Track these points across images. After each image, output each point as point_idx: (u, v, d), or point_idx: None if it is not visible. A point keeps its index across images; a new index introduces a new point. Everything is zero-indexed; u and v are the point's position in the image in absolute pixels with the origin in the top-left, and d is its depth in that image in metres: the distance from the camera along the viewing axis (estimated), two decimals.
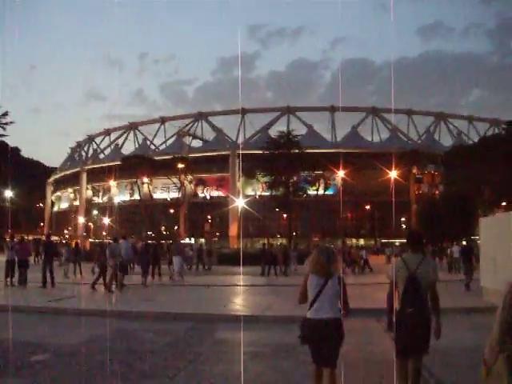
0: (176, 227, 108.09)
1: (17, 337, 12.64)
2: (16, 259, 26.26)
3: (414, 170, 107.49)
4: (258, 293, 24.28)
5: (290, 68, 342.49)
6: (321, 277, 7.11)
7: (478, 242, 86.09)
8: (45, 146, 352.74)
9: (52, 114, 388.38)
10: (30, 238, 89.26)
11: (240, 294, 23.88)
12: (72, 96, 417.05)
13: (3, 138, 68.49)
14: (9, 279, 26.10)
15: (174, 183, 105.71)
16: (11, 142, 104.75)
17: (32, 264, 33.66)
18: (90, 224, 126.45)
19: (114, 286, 24.15)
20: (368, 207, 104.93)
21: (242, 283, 28.68)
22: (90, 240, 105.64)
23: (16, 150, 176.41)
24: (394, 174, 79.18)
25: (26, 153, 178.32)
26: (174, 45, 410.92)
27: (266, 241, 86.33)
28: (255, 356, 10.83)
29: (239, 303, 20.24)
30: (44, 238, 35.89)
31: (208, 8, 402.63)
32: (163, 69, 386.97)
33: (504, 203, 69.79)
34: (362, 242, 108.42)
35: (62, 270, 33.10)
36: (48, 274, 25.74)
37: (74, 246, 38.96)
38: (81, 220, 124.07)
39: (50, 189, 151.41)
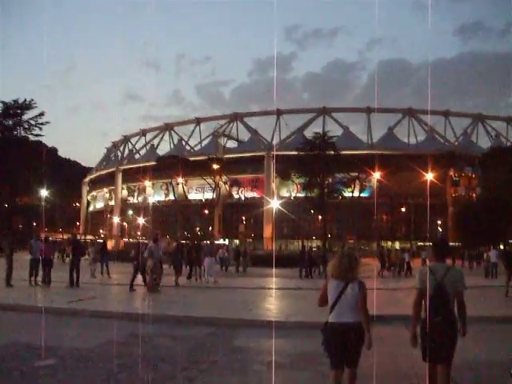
0: (210, 228, 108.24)
1: (28, 339, 12.69)
2: (40, 258, 26.35)
3: (451, 173, 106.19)
4: (290, 296, 23.90)
5: (326, 69, 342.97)
6: (341, 281, 7.26)
7: None
8: (82, 146, 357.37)
9: (90, 115, 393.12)
10: (65, 237, 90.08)
11: (270, 298, 23.47)
12: (110, 96, 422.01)
13: (40, 138, 68.86)
14: (33, 278, 26.22)
15: (209, 184, 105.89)
16: (49, 142, 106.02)
17: (57, 262, 33.71)
18: (124, 224, 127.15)
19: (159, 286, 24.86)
20: (404, 210, 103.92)
21: (275, 286, 28.30)
22: (125, 240, 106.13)
23: (53, 150, 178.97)
24: (430, 176, 78.24)
25: (63, 153, 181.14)
26: (211, 46, 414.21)
27: (300, 242, 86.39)
28: (272, 366, 10.35)
29: (266, 307, 19.74)
30: (71, 237, 35.71)
31: (244, 9, 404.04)
32: (200, 70, 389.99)
33: None
34: (397, 244, 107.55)
35: (89, 269, 33.12)
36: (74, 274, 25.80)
37: (101, 245, 38.98)
38: (115, 220, 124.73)
39: (85, 188, 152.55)
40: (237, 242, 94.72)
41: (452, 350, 7.29)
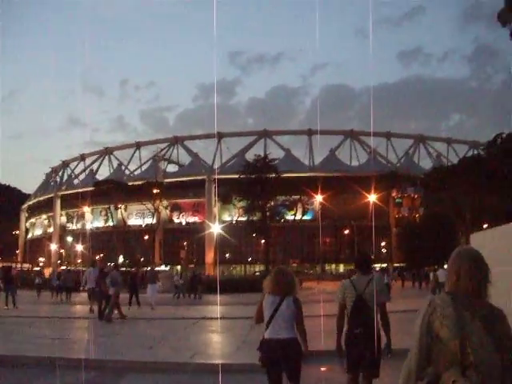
0: (151, 254, 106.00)
1: None
2: None
3: (394, 194, 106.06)
4: (229, 329, 21.47)
5: (270, 94, 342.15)
6: (276, 296, 7.19)
7: None
8: (24, 172, 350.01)
9: (31, 141, 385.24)
10: None
11: (198, 330, 20.89)
12: (52, 123, 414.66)
13: None
14: None
15: (149, 209, 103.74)
16: None
17: None
18: (61, 251, 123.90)
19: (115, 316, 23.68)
20: (347, 232, 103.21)
21: (219, 315, 26.05)
22: (63, 267, 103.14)
23: None
24: (373, 198, 77.64)
25: (3, 179, 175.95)
26: (155, 71, 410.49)
27: (243, 267, 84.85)
28: None
29: (176, 343, 16.47)
30: None
31: (188, 35, 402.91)
32: (143, 95, 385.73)
33: (486, 225, 68.14)
34: (341, 267, 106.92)
35: None
36: None
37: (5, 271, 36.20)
38: (53, 247, 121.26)
39: (24, 215, 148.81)
40: (178, 268, 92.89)
41: (374, 361, 7.32)
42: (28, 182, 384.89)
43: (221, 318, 23.70)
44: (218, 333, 19.89)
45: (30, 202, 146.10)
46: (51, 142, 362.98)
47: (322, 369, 11.61)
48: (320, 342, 11.66)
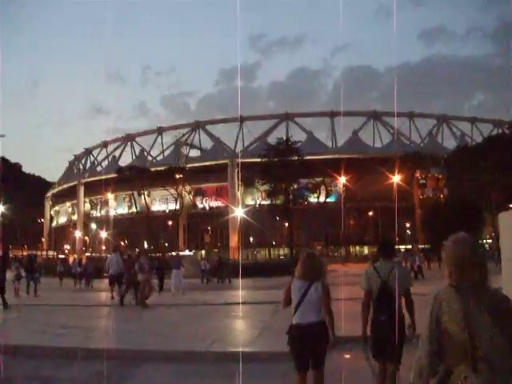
0: (175, 239, 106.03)
1: None
2: None
3: (417, 174, 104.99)
4: (250, 313, 21.05)
5: (291, 77, 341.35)
6: (305, 281, 7.29)
7: (486, 245, 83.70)
8: (48, 161, 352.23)
9: (55, 130, 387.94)
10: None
11: (219, 316, 20.23)
12: (75, 111, 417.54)
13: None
14: None
15: (172, 194, 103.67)
16: (13, 158, 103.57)
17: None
18: (86, 238, 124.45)
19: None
20: (371, 213, 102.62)
21: (242, 300, 25.58)
22: (87, 254, 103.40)
23: (16, 166, 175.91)
24: (396, 179, 76.89)
25: (28, 168, 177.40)
26: (175, 57, 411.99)
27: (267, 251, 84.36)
28: None
29: (196, 330, 16.01)
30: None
31: (208, 20, 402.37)
32: (165, 81, 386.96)
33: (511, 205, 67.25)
34: (365, 249, 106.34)
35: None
36: None
37: (27, 260, 36.21)
38: (77, 234, 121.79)
39: (48, 203, 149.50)
40: (203, 252, 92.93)
41: (399, 348, 7.41)
42: (52, 171, 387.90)
43: (243, 303, 23.37)
44: (239, 319, 19.59)
45: (54, 190, 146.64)
46: (74, 131, 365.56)
47: (347, 356, 11.33)
48: (345, 328, 11.30)
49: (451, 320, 3.54)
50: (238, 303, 23.47)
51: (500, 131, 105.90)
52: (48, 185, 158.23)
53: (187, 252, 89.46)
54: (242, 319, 19.41)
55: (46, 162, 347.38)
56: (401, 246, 77.24)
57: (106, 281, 29.88)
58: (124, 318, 20.11)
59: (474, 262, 3.66)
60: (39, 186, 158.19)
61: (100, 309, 24.54)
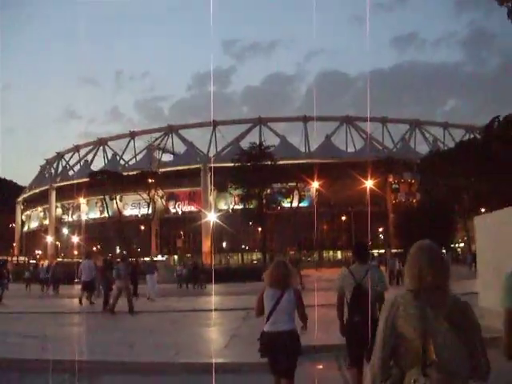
0: (148, 244, 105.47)
1: None
2: None
3: (390, 179, 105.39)
4: (220, 320, 20.27)
5: (265, 82, 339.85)
6: (277, 289, 7.23)
7: (458, 249, 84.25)
8: (20, 165, 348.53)
9: (27, 134, 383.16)
10: None
11: (186, 323, 19.62)
12: (47, 115, 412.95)
13: None
14: None
15: (144, 199, 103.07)
16: None
17: None
18: (56, 243, 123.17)
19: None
20: (344, 218, 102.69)
21: (213, 307, 24.76)
22: (58, 259, 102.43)
23: None
24: (369, 184, 77.03)
25: (1, 173, 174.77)
26: (149, 62, 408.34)
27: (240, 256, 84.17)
28: None
29: (161, 339, 15.20)
30: None
31: (182, 24, 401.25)
32: (138, 86, 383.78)
33: (483, 209, 67.54)
34: (339, 254, 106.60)
35: None
36: None
37: None
38: (49, 239, 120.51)
39: (19, 208, 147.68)
40: (176, 257, 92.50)
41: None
42: (24, 175, 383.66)
43: (213, 310, 22.86)
44: (207, 326, 18.93)
45: (26, 195, 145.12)
46: (47, 135, 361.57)
47: (319, 366, 11.02)
48: (317, 336, 10.97)
49: (407, 324, 3.51)
50: (208, 310, 23.10)
51: (472, 136, 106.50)
52: (20, 189, 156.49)
53: (159, 257, 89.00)
54: (212, 327, 18.82)
55: (18, 166, 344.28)
56: (374, 251, 77.52)
57: (77, 287, 29.43)
58: (88, 326, 19.49)
59: (435, 268, 3.61)
60: (11, 190, 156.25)
61: (65, 316, 23.56)
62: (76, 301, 27.80)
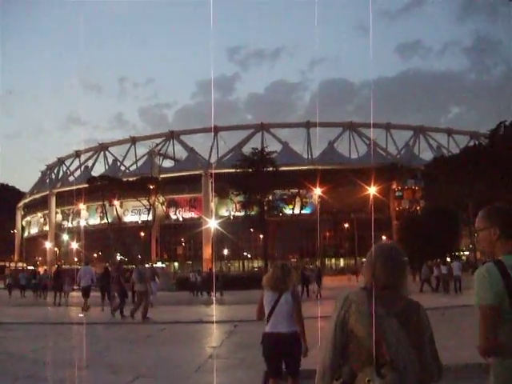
0: (148, 251, 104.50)
1: None
2: None
3: (394, 186, 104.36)
4: (201, 335, 18.55)
5: (269, 90, 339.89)
6: (275, 292, 7.30)
7: (463, 257, 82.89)
8: (23, 171, 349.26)
9: (31, 140, 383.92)
10: None
11: (161, 339, 17.42)
12: (51, 121, 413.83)
13: None
14: None
15: (144, 205, 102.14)
16: None
17: None
18: (55, 250, 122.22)
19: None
20: (347, 225, 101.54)
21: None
22: (62, 266, 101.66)
23: None
24: (373, 191, 75.87)
25: (3, 179, 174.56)
26: (153, 69, 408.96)
27: (241, 263, 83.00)
28: None
29: (123, 359, 13.07)
30: None
31: (186, 31, 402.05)
32: (142, 93, 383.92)
33: None
34: (341, 261, 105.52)
35: None
36: None
37: None
38: (48, 245, 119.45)
39: (20, 213, 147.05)
40: (176, 264, 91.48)
41: None
42: (26, 181, 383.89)
43: (197, 322, 21.43)
44: (183, 343, 16.26)
45: (26, 200, 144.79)
46: (50, 141, 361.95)
47: None
48: (315, 357, 9.63)
49: (358, 322, 3.42)
50: (191, 322, 21.54)
51: (476, 143, 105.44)
52: (21, 195, 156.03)
53: (159, 264, 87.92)
54: (188, 343, 16.20)
55: (21, 172, 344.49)
56: None
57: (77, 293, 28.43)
58: (42, 343, 16.53)
59: (391, 268, 3.54)
60: (12, 196, 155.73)
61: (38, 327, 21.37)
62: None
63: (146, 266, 58.61)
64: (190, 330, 19.64)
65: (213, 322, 21.27)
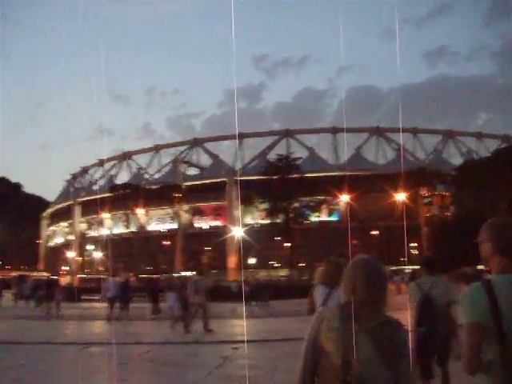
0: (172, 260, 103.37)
1: None
2: None
3: (423, 192, 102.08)
4: (197, 361, 14.92)
5: (296, 98, 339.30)
6: (326, 287, 7.33)
7: None
8: (51, 182, 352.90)
9: (59, 151, 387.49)
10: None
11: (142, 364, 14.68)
12: (79, 132, 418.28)
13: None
14: None
15: (169, 214, 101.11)
16: (15, 178, 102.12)
17: None
18: (79, 259, 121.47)
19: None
20: (375, 232, 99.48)
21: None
22: (80, 275, 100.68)
23: (16, 186, 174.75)
24: (401, 197, 73.90)
25: (30, 189, 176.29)
26: (181, 78, 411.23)
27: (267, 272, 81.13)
28: None
29: None
30: None
31: (213, 40, 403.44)
32: (170, 102, 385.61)
33: None
34: None
35: None
36: None
37: None
38: (71, 255, 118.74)
39: (45, 223, 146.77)
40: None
41: (443, 359, 7.63)
42: (53, 191, 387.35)
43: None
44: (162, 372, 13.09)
45: (51, 210, 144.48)
46: (78, 151, 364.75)
47: None
48: None
49: (328, 338, 3.42)
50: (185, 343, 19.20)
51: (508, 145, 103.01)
52: (47, 204, 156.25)
53: (186, 273, 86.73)
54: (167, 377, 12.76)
55: (48, 182, 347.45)
56: (406, 267, 74.42)
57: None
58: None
59: (369, 283, 3.47)
60: (39, 205, 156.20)
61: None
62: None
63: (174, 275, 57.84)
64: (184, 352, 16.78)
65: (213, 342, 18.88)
